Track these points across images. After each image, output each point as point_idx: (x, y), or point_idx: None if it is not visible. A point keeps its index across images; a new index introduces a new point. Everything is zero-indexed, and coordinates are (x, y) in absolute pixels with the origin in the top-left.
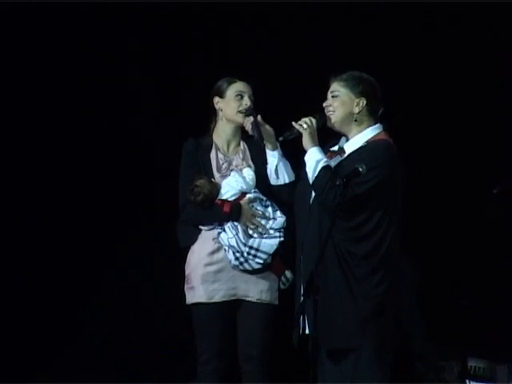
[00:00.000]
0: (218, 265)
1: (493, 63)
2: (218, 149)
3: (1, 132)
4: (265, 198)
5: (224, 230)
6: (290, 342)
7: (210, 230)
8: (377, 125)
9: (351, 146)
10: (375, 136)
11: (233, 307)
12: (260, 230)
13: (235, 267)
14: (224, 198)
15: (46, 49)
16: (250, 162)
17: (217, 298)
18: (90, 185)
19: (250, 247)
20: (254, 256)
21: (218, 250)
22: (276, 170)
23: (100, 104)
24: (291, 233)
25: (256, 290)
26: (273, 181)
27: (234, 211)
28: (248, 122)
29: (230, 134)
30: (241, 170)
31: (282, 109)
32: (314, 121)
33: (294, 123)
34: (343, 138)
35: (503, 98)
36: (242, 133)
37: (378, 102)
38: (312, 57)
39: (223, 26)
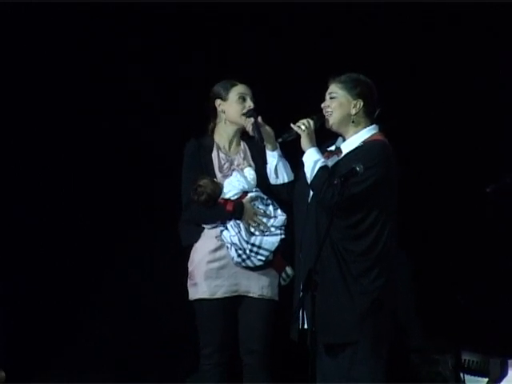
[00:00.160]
0: (220, 262)
1: (493, 63)
2: (219, 149)
3: (1, 132)
4: (266, 197)
5: (226, 228)
6: (289, 336)
7: (212, 228)
8: (373, 125)
9: (348, 146)
10: (371, 136)
11: (234, 303)
12: (262, 227)
13: (237, 264)
14: (226, 197)
15: (46, 49)
16: (251, 162)
17: (219, 294)
18: (90, 185)
19: (252, 245)
20: (256, 253)
21: (221, 247)
22: (276, 169)
23: (100, 104)
24: (291, 231)
25: (257, 287)
26: (272, 180)
27: (236, 210)
28: (249, 123)
29: (232, 134)
30: (242, 169)
31: (282, 109)
32: (311, 122)
33: (292, 125)
34: (340, 138)
35: (503, 98)
36: (242, 133)
37: (374, 103)
38: (312, 57)
39: (223, 25)
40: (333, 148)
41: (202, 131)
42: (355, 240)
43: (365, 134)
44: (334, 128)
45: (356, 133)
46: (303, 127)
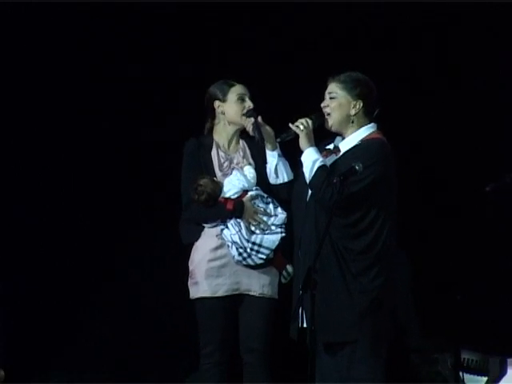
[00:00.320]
0: (221, 260)
1: (493, 63)
2: (218, 147)
3: (1, 132)
4: (266, 195)
5: (227, 227)
6: (289, 335)
7: (212, 227)
8: (371, 124)
9: (346, 144)
10: (369, 135)
11: (235, 301)
12: (262, 226)
13: (238, 263)
14: (227, 196)
15: (46, 49)
16: (251, 160)
17: (220, 293)
18: (90, 185)
19: (253, 243)
20: (257, 252)
21: (222, 246)
22: (276, 169)
23: (100, 104)
24: (291, 229)
25: (258, 285)
26: (272, 180)
27: (236, 209)
28: (249, 123)
29: (232, 134)
30: (242, 167)
31: (282, 109)
32: (310, 122)
33: (290, 124)
34: (338, 137)
35: (503, 98)
36: (241, 132)
37: (374, 103)
38: (312, 57)
39: (223, 25)
40: (331, 147)
41: (202, 131)
42: (354, 238)
43: (363, 132)
44: (334, 129)
45: (354, 131)
46: (302, 127)
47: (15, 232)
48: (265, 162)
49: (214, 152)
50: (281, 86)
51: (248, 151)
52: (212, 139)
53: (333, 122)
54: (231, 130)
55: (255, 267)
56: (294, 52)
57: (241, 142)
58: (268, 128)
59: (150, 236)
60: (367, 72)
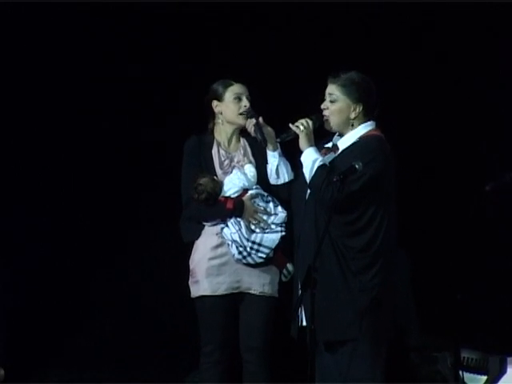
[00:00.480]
0: (221, 258)
1: (493, 63)
2: (219, 145)
3: (1, 132)
4: (266, 194)
5: (227, 226)
6: (289, 333)
7: (213, 225)
8: (369, 122)
9: (344, 142)
10: (367, 132)
11: (235, 300)
12: (262, 225)
13: (238, 261)
14: (227, 194)
15: (46, 49)
16: (251, 158)
17: (221, 291)
18: (91, 184)
19: (253, 242)
20: (257, 251)
21: (222, 244)
22: (277, 169)
23: (100, 104)
24: (291, 228)
25: (259, 283)
26: (273, 181)
27: (236, 208)
28: (250, 124)
29: (231, 133)
30: (242, 166)
31: (282, 109)
32: (310, 122)
33: (290, 125)
34: (337, 135)
35: (503, 98)
36: (242, 131)
37: (374, 105)
38: (312, 57)
39: (223, 25)
40: (329, 145)
41: (202, 131)
42: (354, 236)
43: (361, 130)
44: (333, 130)
45: (353, 130)
46: (302, 127)
47: (15, 231)
48: (265, 161)
49: (214, 150)
50: (281, 86)
51: (249, 149)
52: (213, 137)
53: (332, 124)
54: (229, 129)
55: (255, 266)
56: (294, 52)
57: (242, 140)
58: (269, 128)
59: (150, 236)
60: (367, 72)
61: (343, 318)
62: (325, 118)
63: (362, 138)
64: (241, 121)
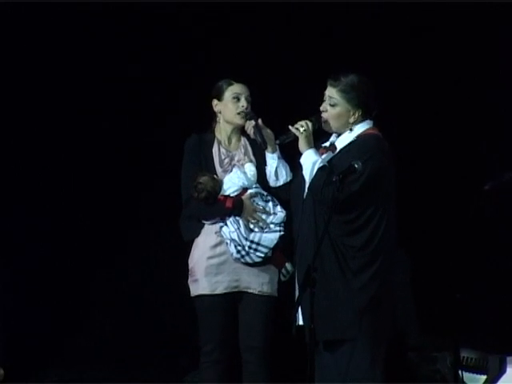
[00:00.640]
0: (220, 257)
1: (493, 63)
2: (220, 144)
3: (1, 132)
4: (266, 193)
5: (226, 224)
6: (289, 333)
7: (212, 224)
8: (367, 121)
9: (342, 141)
10: (365, 131)
11: (235, 299)
12: (261, 224)
13: (237, 260)
14: (226, 193)
15: (46, 49)
16: (252, 157)
17: (220, 290)
18: (91, 184)
19: (251, 241)
20: (255, 250)
21: (221, 243)
22: (276, 171)
23: (100, 104)
24: (290, 227)
25: (257, 283)
26: (272, 182)
27: (236, 207)
28: (250, 126)
29: (230, 132)
30: (242, 165)
31: (282, 110)
32: (309, 124)
33: (290, 126)
34: (334, 135)
35: (503, 99)
36: (242, 129)
37: (372, 108)
38: (312, 57)
39: (223, 25)
40: (327, 144)
41: (203, 130)
42: (353, 235)
43: (359, 129)
44: (331, 131)
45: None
46: (301, 129)
47: (15, 231)
48: (265, 162)
49: (215, 148)
50: (281, 86)
51: (250, 148)
52: (214, 136)
53: (331, 127)
54: (229, 128)
55: (254, 265)
56: (294, 52)
57: (242, 139)
58: (268, 131)
59: (150, 235)
60: (367, 72)
61: (343, 317)
62: (323, 119)
63: (359, 137)
64: (238, 120)
